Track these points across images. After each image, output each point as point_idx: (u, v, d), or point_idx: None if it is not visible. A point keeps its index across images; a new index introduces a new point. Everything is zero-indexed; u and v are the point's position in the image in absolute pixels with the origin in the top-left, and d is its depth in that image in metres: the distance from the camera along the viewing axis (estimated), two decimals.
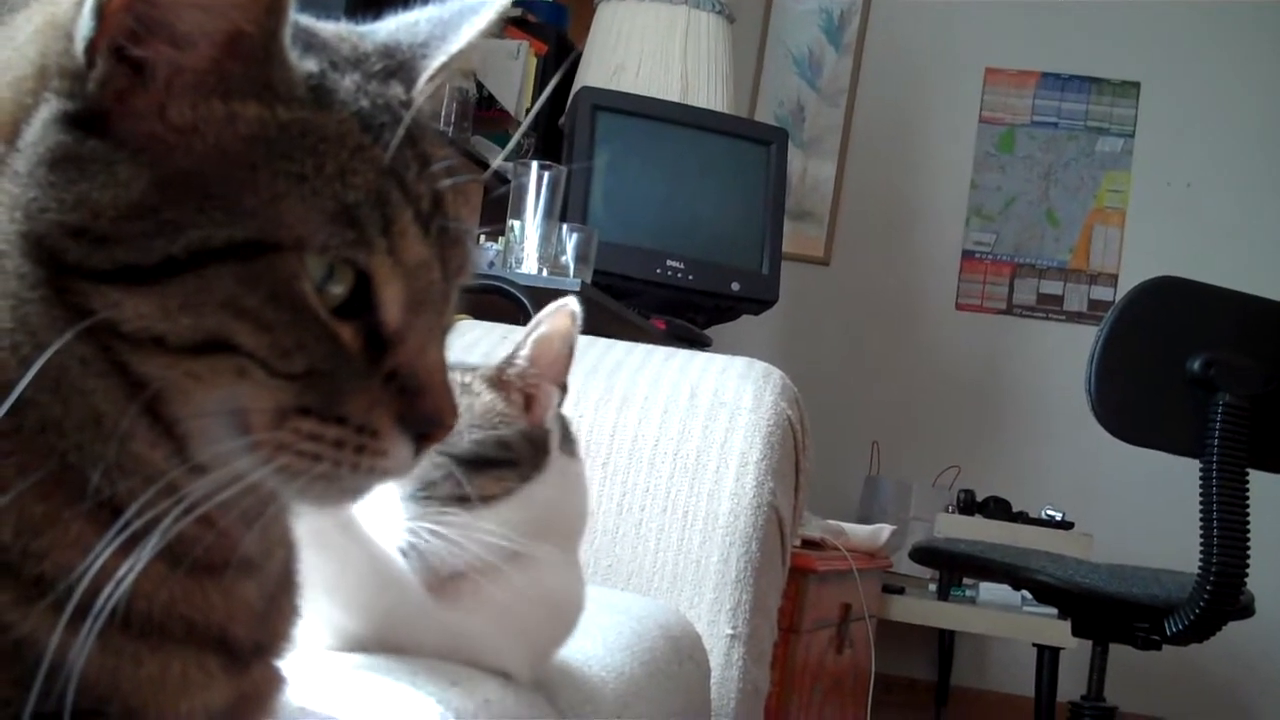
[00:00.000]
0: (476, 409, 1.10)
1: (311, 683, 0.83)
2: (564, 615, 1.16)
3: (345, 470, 0.64)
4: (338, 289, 0.63)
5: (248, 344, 0.61)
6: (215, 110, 0.61)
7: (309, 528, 0.91)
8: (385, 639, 1.02)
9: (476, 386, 1.12)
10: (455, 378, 1.10)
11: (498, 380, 1.13)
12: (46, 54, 0.62)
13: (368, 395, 0.64)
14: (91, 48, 0.60)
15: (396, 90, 0.69)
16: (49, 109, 0.61)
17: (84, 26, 0.60)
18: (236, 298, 0.60)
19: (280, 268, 0.61)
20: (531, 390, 1.14)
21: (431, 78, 0.72)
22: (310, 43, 0.67)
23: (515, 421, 1.12)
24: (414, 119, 0.68)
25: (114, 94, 0.61)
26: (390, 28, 0.74)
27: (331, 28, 0.72)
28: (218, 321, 0.60)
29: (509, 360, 1.14)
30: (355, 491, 0.67)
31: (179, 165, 0.60)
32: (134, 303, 0.59)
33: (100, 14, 0.60)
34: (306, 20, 0.70)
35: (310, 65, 0.65)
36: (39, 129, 0.61)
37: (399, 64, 0.71)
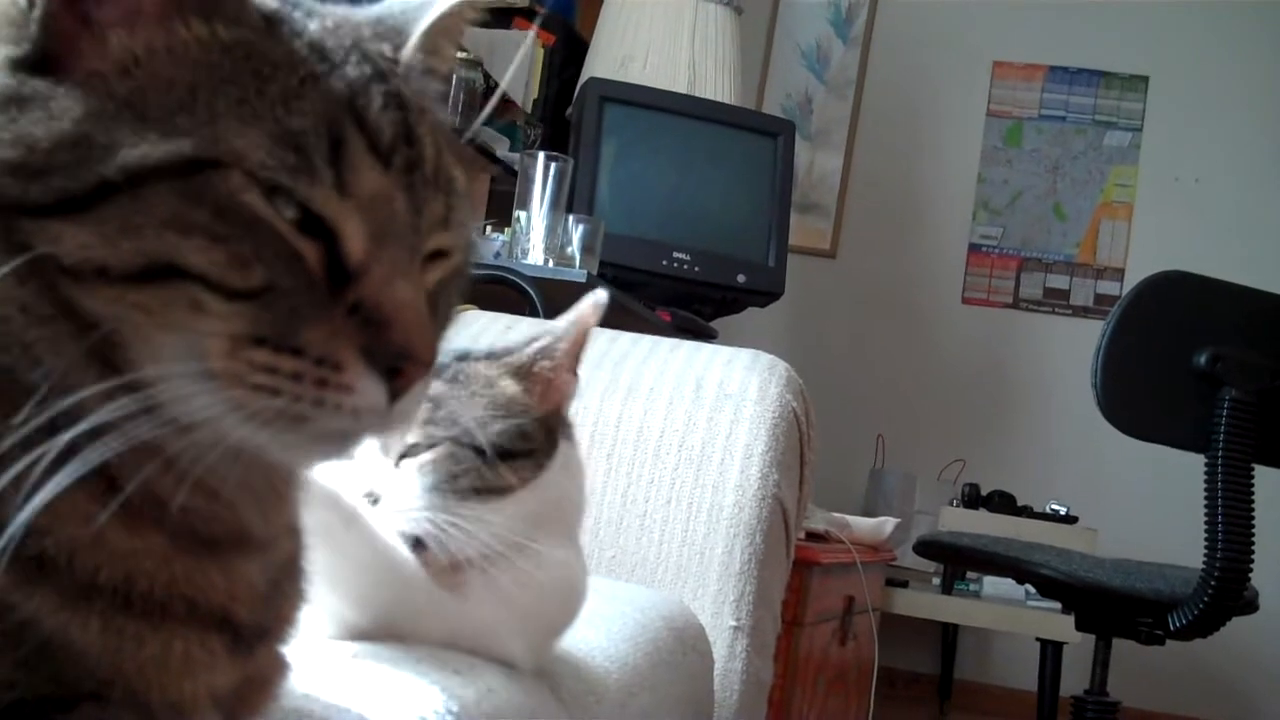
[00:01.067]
0: (499, 399, 1.10)
1: (315, 669, 0.83)
2: (568, 602, 1.16)
3: (307, 407, 0.61)
4: (290, 211, 0.61)
5: (196, 263, 0.59)
6: (156, 36, 0.61)
7: (315, 520, 0.92)
8: (389, 629, 1.02)
9: (501, 379, 1.12)
10: (480, 369, 1.10)
11: (527, 372, 1.13)
12: None
13: (328, 325, 0.61)
14: None
15: (382, 47, 0.68)
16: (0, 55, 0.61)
17: None
18: (180, 214, 0.59)
19: (222, 183, 0.59)
20: (552, 378, 1.15)
21: (427, 33, 0.72)
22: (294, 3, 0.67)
23: (533, 410, 1.12)
24: (397, 69, 0.68)
25: (55, 32, 0.61)
26: (387, 4, 0.74)
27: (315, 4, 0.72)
28: (160, 243, 0.58)
29: (542, 352, 1.14)
30: (329, 438, 0.63)
31: (115, 92, 0.60)
32: (73, 233, 0.58)
33: None
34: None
35: (271, 2, 0.65)
36: None
37: (388, 28, 0.71)
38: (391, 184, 0.64)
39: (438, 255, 0.69)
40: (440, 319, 0.70)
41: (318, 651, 0.91)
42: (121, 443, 0.59)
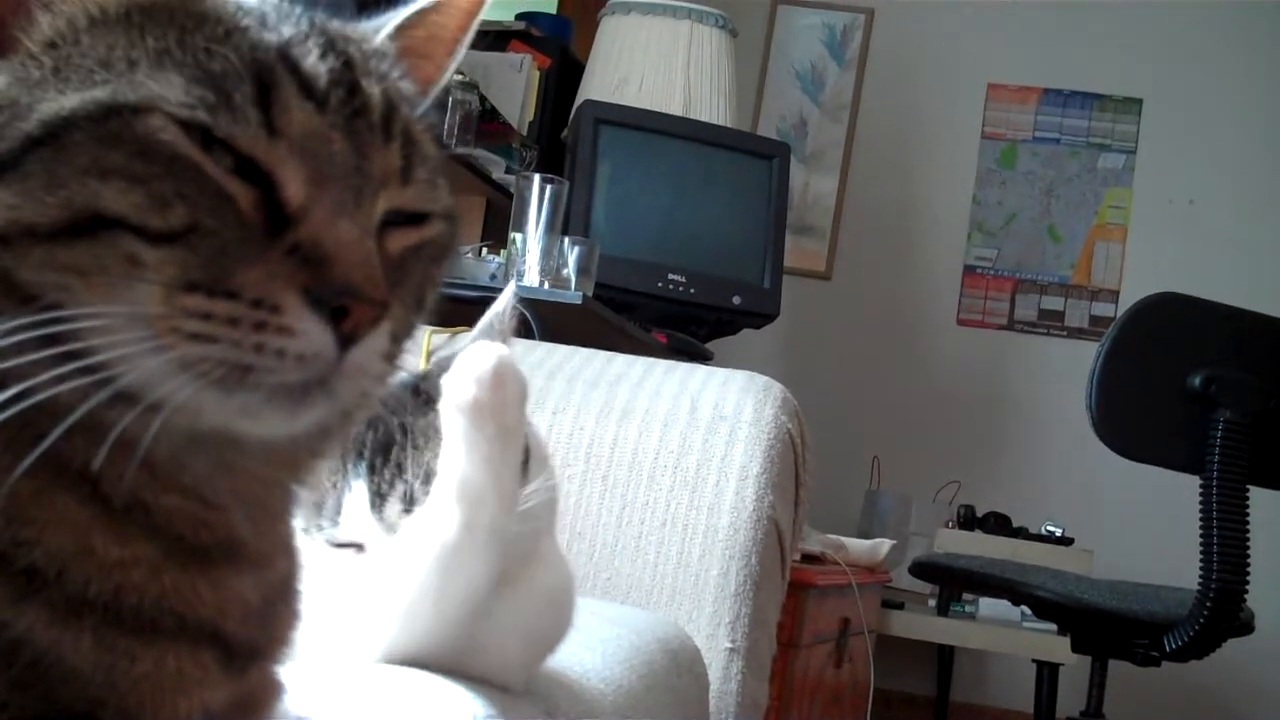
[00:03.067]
0: None
1: (310, 692, 0.83)
2: (564, 614, 1.15)
3: (249, 353, 0.58)
4: (223, 160, 0.60)
5: (116, 207, 0.58)
6: (79, 8, 0.62)
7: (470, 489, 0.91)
8: (439, 656, 1.01)
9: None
10: (422, 424, 1.08)
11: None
12: None
13: (265, 266, 0.59)
14: None
15: (348, 31, 0.69)
16: None
17: None
18: (98, 160, 0.58)
19: (139, 126, 0.59)
20: None
21: (401, 25, 0.72)
22: None
23: None
24: (362, 46, 0.67)
25: None
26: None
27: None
28: (83, 190, 0.58)
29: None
30: (279, 394, 0.60)
31: (43, 63, 0.60)
32: (2, 196, 0.58)
33: None
34: None
35: None
36: None
37: (370, 27, 0.72)
38: (326, 125, 0.62)
39: (408, 220, 0.67)
40: (408, 288, 0.68)
41: (313, 672, 0.91)
42: (69, 408, 0.58)
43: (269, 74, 0.62)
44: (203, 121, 0.59)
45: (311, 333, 0.60)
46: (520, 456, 1.02)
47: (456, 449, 0.98)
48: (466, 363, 0.97)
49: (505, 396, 0.98)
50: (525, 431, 1.06)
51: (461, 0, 0.75)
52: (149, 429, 0.60)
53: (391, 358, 0.66)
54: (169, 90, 0.59)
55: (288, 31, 0.64)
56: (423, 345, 1.69)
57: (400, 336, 0.68)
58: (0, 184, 0.58)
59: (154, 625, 0.63)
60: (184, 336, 0.58)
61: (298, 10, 0.67)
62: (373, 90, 0.65)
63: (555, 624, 1.14)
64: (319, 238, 0.60)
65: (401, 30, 0.72)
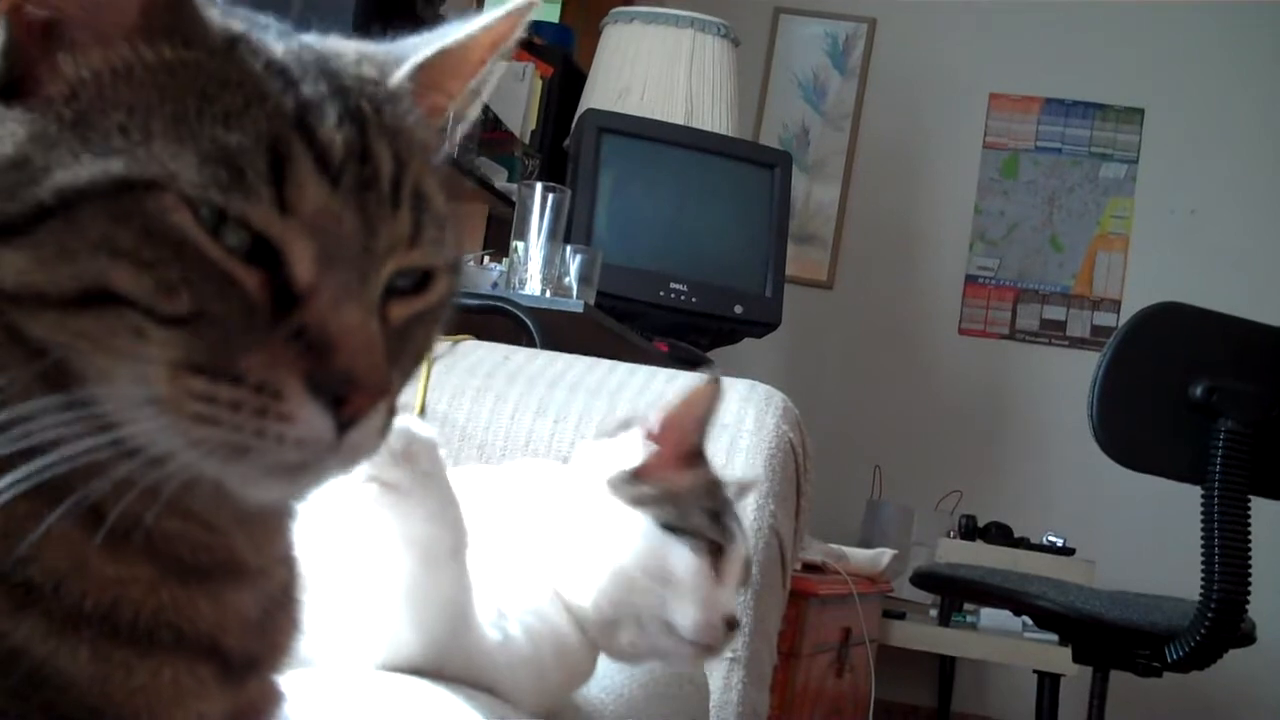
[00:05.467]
0: None
1: (311, 700, 0.83)
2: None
3: (248, 437, 0.59)
4: (234, 238, 0.60)
5: (126, 286, 0.58)
6: (104, 59, 0.61)
7: (423, 533, 0.94)
8: (438, 665, 1.03)
9: None
10: None
11: None
12: None
13: (268, 352, 0.60)
14: None
15: (364, 70, 0.68)
16: None
17: None
18: (110, 236, 0.58)
19: (151, 203, 0.58)
20: None
21: (421, 67, 0.70)
22: (261, 24, 0.66)
23: None
24: (376, 92, 0.67)
25: (18, 61, 0.61)
26: (406, 39, 0.74)
27: (328, 38, 0.71)
28: (92, 265, 0.58)
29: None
30: (279, 470, 0.61)
31: (61, 115, 0.60)
32: (11, 258, 0.58)
33: None
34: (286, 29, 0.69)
35: (237, 24, 0.64)
36: None
37: (388, 59, 0.70)
38: (340, 202, 0.62)
39: (413, 289, 0.67)
40: (407, 356, 0.68)
41: (318, 680, 0.91)
42: (74, 459, 0.58)
43: (284, 146, 0.61)
44: (215, 202, 0.59)
45: (312, 419, 0.60)
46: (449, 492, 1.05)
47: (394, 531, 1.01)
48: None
49: (416, 459, 1.02)
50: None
51: (484, 36, 0.73)
52: (149, 476, 0.60)
53: (388, 426, 0.66)
54: (183, 167, 0.59)
55: (307, 92, 0.63)
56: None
57: (396, 403, 0.68)
58: (11, 246, 0.58)
59: (151, 639, 0.63)
60: (187, 416, 0.59)
61: (313, 54, 0.66)
62: (385, 156, 0.64)
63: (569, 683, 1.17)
64: (324, 323, 0.61)
65: (421, 68, 0.71)
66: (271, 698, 0.73)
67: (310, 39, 0.69)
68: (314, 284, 0.61)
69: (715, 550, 1.16)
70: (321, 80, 0.64)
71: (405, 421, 1.00)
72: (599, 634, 1.15)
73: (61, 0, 0.61)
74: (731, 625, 1.15)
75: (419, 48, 0.72)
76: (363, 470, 0.97)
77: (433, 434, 1.01)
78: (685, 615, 1.13)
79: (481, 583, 1.07)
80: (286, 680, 0.74)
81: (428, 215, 0.66)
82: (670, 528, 1.15)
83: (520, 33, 0.75)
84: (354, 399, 0.61)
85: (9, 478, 0.57)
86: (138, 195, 0.58)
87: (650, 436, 1.21)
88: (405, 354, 0.68)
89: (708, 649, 1.15)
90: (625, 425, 1.23)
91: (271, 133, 0.61)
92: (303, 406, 0.60)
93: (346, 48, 0.70)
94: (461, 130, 0.77)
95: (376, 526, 1.00)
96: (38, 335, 0.59)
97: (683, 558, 1.14)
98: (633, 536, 1.15)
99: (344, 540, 1.00)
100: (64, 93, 0.61)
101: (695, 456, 1.23)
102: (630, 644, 1.15)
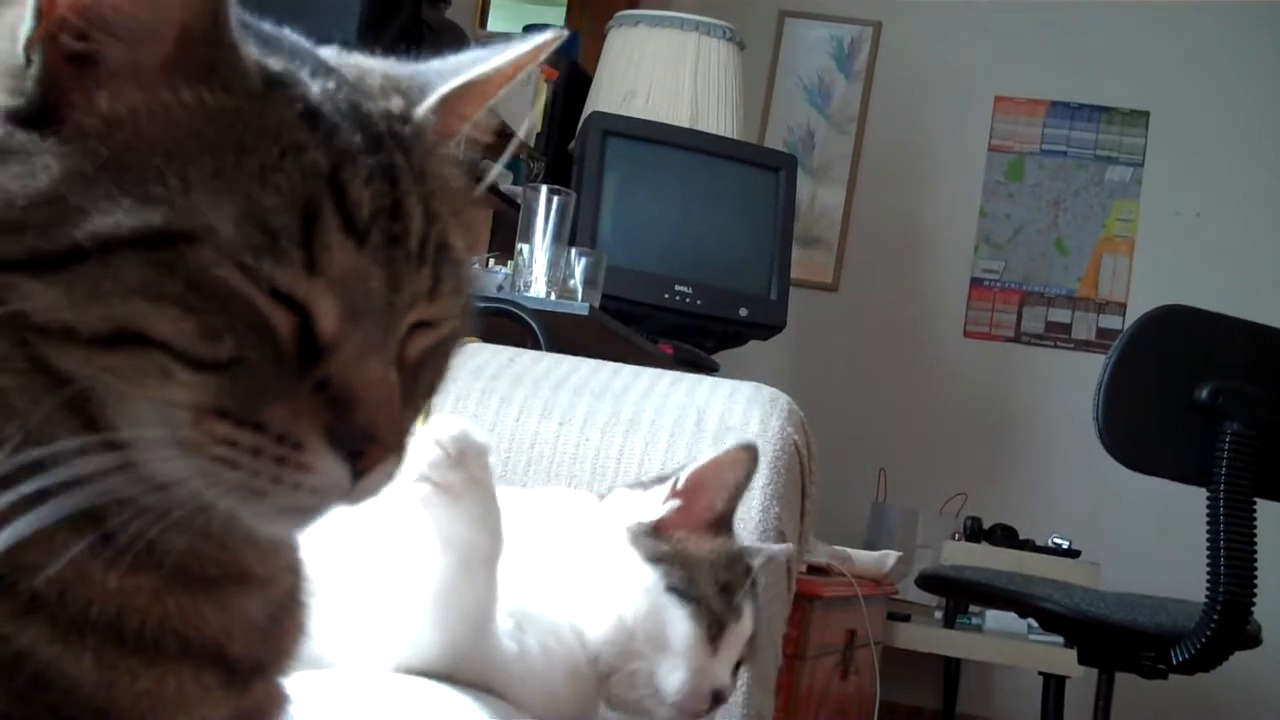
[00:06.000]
0: None
1: (318, 702, 0.83)
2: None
3: (265, 482, 0.60)
4: (265, 285, 0.60)
5: (164, 332, 0.58)
6: (143, 98, 0.61)
7: (462, 535, 0.95)
8: (453, 670, 1.04)
9: None
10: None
11: None
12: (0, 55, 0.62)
13: (292, 403, 0.61)
14: (29, 46, 0.60)
15: (392, 103, 0.67)
16: None
17: (25, 26, 0.60)
18: (150, 283, 0.58)
19: (193, 257, 0.59)
20: None
21: (448, 98, 0.70)
22: (294, 53, 0.66)
23: None
24: (402, 131, 0.66)
25: (51, 90, 0.61)
26: (432, 62, 0.73)
27: (345, 56, 0.71)
28: (128, 310, 0.58)
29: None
30: (295, 511, 0.63)
31: (97, 152, 0.60)
32: (43, 292, 0.58)
33: (39, 12, 0.60)
34: (313, 45, 0.69)
35: (275, 63, 0.64)
36: None
37: (414, 85, 0.70)
38: (367, 262, 0.62)
39: (423, 325, 0.67)
40: (420, 389, 0.69)
41: (325, 683, 0.91)
42: (96, 496, 0.59)
43: (316, 205, 0.61)
44: (247, 264, 0.59)
45: (330, 470, 0.61)
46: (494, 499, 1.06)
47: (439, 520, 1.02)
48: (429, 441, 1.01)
49: (469, 464, 1.03)
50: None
51: (509, 68, 0.73)
52: (162, 504, 0.61)
53: (399, 467, 0.67)
54: (220, 222, 0.59)
55: (341, 143, 0.63)
56: None
57: (409, 441, 0.68)
58: (42, 280, 0.58)
59: (156, 646, 0.63)
60: (209, 457, 0.60)
61: (348, 91, 0.65)
62: (415, 214, 0.65)
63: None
64: (348, 378, 0.62)
65: (447, 100, 0.71)
66: (277, 701, 0.73)
67: (337, 61, 0.69)
68: (339, 338, 0.62)
69: (716, 622, 1.17)
70: (355, 129, 0.64)
71: (462, 425, 1.01)
72: (598, 676, 1.16)
73: (97, 33, 0.61)
74: (718, 699, 1.16)
75: (444, 76, 0.71)
76: (415, 469, 0.98)
77: (486, 440, 1.02)
78: (672, 679, 1.14)
79: (506, 595, 1.08)
80: (294, 682, 0.75)
81: (448, 266, 0.67)
82: (675, 591, 1.16)
83: (544, 58, 0.75)
84: (371, 453, 0.62)
85: (33, 515, 0.58)
86: (179, 248, 0.59)
87: (674, 493, 1.22)
88: (419, 390, 0.68)
89: (691, 716, 1.16)
90: (660, 479, 1.24)
91: (305, 192, 0.61)
92: (322, 459, 0.61)
93: (373, 73, 0.70)
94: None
95: (417, 525, 1.01)
96: (63, 367, 0.59)
97: (680, 623, 1.15)
98: (638, 591, 1.16)
99: (376, 535, 1.01)
100: (98, 127, 0.60)
101: (721, 524, 1.23)
102: (618, 694, 1.16)
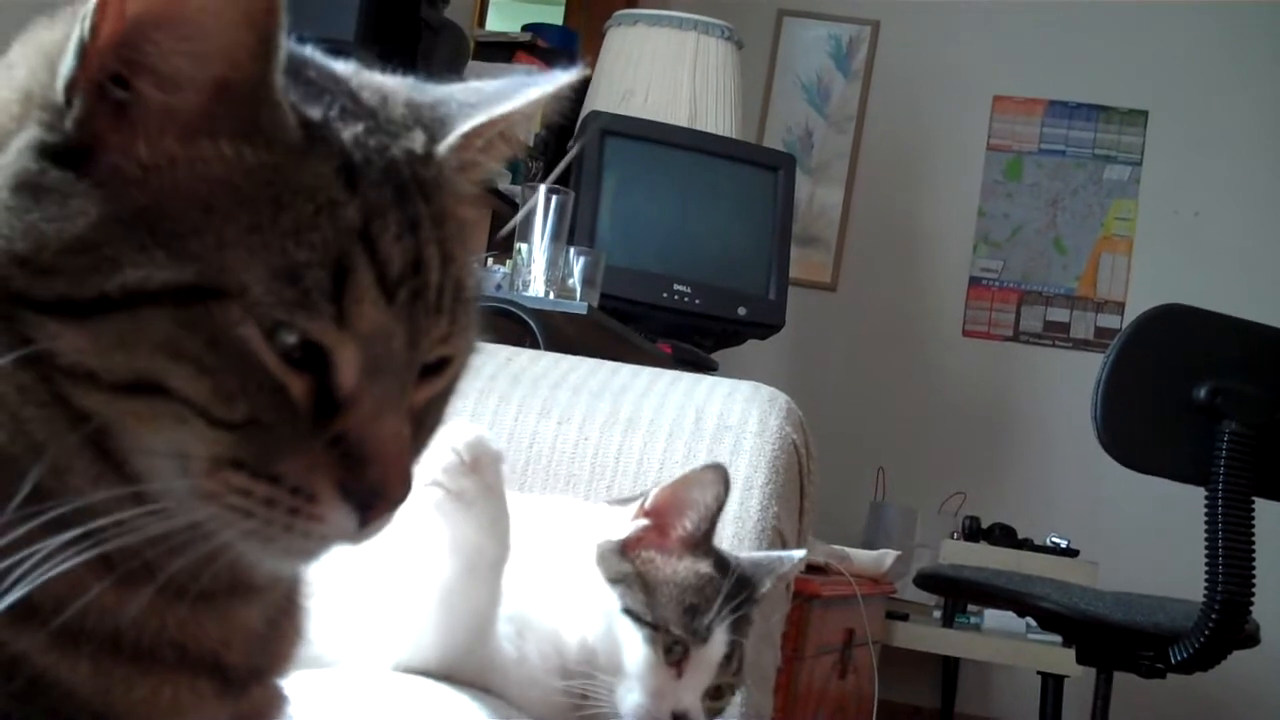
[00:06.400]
0: None
1: (317, 702, 0.83)
2: None
3: (278, 530, 0.62)
4: (290, 338, 0.61)
5: (183, 388, 0.59)
6: (183, 150, 0.61)
7: (469, 539, 0.95)
8: (452, 669, 1.04)
9: None
10: None
11: None
12: (32, 80, 0.62)
13: (307, 457, 0.62)
14: (71, 87, 0.60)
15: (415, 140, 0.67)
16: (28, 135, 0.61)
17: (66, 65, 0.60)
18: (174, 340, 0.59)
19: (219, 315, 0.59)
20: None
21: (469, 135, 0.69)
22: (323, 86, 0.66)
23: None
24: (424, 174, 0.66)
25: (90, 133, 0.60)
26: (453, 87, 0.73)
27: (367, 77, 0.70)
28: (151, 363, 0.59)
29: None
30: (301, 553, 0.64)
31: (134, 201, 0.59)
32: (70, 336, 0.58)
33: (83, 54, 0.60)
34: (334, 64, 0.69)
35: (314, 111, 0.64)
36: (14, 153, 0.60)
37: (435, 117, 0.69)
38: (393, 318, 0.63)
39: (437, 368, 0.68)
40: (427, 429, 0.69)
41: (324, 683, 0.91)
42: (118, 540, 0.60)
43: (348, 260, 0.61)
44: (279, 319, 0.60)
45: (340, 521, 0.63)
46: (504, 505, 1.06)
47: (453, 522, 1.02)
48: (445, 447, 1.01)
49: (483, 471, 1.04)
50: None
51: (528, 107, 0.73)
52: (170, 533, 0.62)
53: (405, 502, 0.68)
54: (252, 281, 0.59)
55: (372, 198, 0.63)
56: None
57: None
58: (70, 324, 0.59)
59: (153, 656, 0.64)
60: (223, 505, 0.61)
61: (378, 136, 0.65)
62: (434, 263, 0.65)
63: None
64: (363, 435, 0.63)
65: (467, 136, 0.70)
66: (275, 702, 0.74)
67: (358, 84, 0.69)
68: (357, 394, 0.63)
69: (677, 645, 1.14)
70: (384, 180, 0.64)
71: (477, 432, 1.01)
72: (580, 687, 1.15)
73: (140, 81, 0.60)
74: None
75: (465, 108, 0.71)
76: (428, 473, 0.98)
77: (500, 448, 1.02)
78: (627, 701, 1.13)
79: (507, 600, 1.08)
80: (293, 681, 0.75)
81: (461, 305, 0.67)
82: (630, 614, 1.14)
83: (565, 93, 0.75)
84: (380, 508, 0.64)
85: (56, 562, 0.59)
86: (206, 304, 0.59)
87: (643, 511, 1.21)
88: (424, 431, 0.69)
89: None
90: (635, 498, 1.24)
91: (339, 248, 0.61)
92: (334, 510, 0.62)
93: (395, 98, 0.69)
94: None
95: (427, 528, 1.01)
96: (84, 406, 0.60)
97: (635, 646, 1.13)
98: (598, 612, 1.15)
99: (383, 536, 1.02)
100: (136, 174, 0.60)
101: (694, 545, 1.21)
102: (584, 712, 1.15)
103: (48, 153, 0.60)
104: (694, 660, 1.16)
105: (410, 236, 0.64)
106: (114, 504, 0.60)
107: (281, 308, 0.60)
